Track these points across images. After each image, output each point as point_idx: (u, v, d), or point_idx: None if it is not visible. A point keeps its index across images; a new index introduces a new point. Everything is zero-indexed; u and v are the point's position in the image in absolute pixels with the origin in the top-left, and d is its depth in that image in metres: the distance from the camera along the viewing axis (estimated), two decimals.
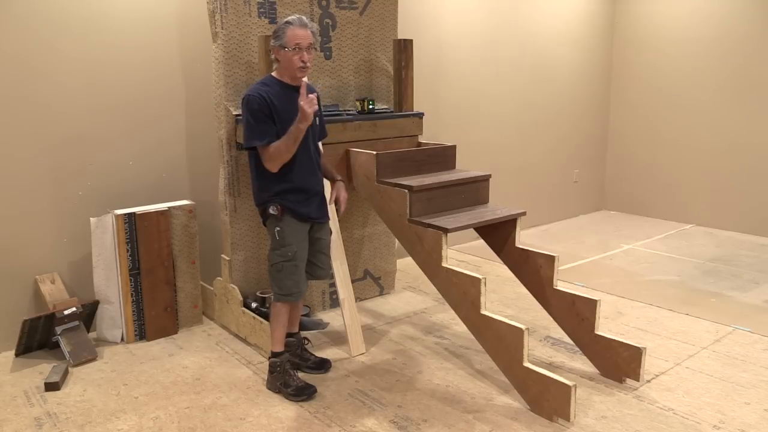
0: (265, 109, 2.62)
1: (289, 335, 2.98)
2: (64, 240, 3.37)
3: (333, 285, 3.68)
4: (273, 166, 2.63)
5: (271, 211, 2.70)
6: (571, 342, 3.08)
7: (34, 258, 3.29)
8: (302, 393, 2.74)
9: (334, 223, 3.19)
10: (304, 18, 2.69)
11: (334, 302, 3.78)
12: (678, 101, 5.82)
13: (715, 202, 5.69)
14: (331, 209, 3.15)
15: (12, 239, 3.22)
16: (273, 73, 2.76)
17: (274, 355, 2.80)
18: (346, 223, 3.78)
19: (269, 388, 2.81)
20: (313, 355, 3.03)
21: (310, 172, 2.77)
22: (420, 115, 3.74)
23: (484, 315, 2.71)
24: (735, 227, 5.58)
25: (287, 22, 2.66)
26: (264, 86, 2.68)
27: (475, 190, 3.21)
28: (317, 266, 2.93)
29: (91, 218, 3.27)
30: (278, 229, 2.71)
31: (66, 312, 3.16)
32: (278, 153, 2.60)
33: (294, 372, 2.81)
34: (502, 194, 4.97)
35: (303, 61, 2.66)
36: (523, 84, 5.49)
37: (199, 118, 3.74)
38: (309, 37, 2.66)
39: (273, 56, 2.72)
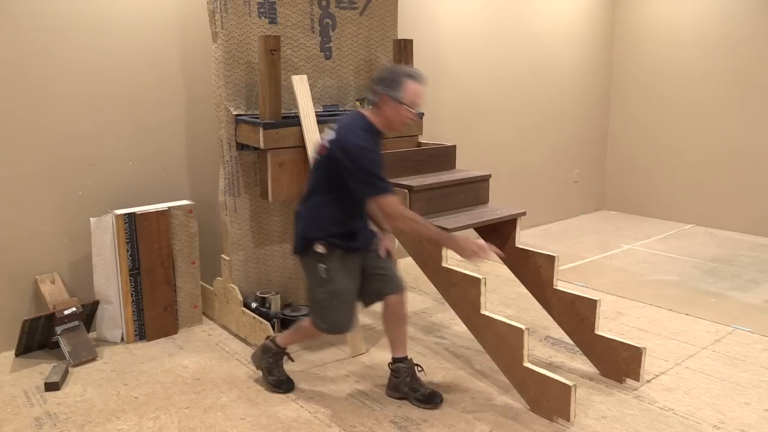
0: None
1: (398, 360, 2.73)
2: (64, 240, 3.37)
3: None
4: (394, 219, 2.44)
5: (317, 249, 2.50)
6: (571, 342, 3.08)
7: (34, 258, 3.29)
8: (281, 386, 2.79)
9: None
10: (422, 72, 2.49)
11: None
12: (678, 101, 5.82)
13: (715, 202, 5.69)
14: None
15: (12, 239, 3.21)
16: (367, 114, 2.50)
17: (275, 345, 2.80)
18: None
19: (252, 358, 2.87)
20: (424, 386, 2.72)
21: (364, 214, 2.67)
22: (420, 115, 3.74)
23: (484, 315, 2.71)
24: (735, 227, 5.58)
25: (408, 75, 2.43)
26: (369, 136, 2.44)
27: (475, 190, 3.21)
28: (387, 276, 2.67)
29: (91, 218, 3.27)
30: (324, 266, 2.52)
31: (66, 312, 3.16)
32: (413, 227, 2.44)
33: (282, 365, 2.82)
34: (502, 194, 4.97)
35: (412, 120, 2.49)
36: (524, 84, 5.49)
37: (199, 118, 3.74)
38: (424, 94, 2.50)
39: (374, 99, 2.47)
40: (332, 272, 2.54)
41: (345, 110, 3.62)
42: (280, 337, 2.84)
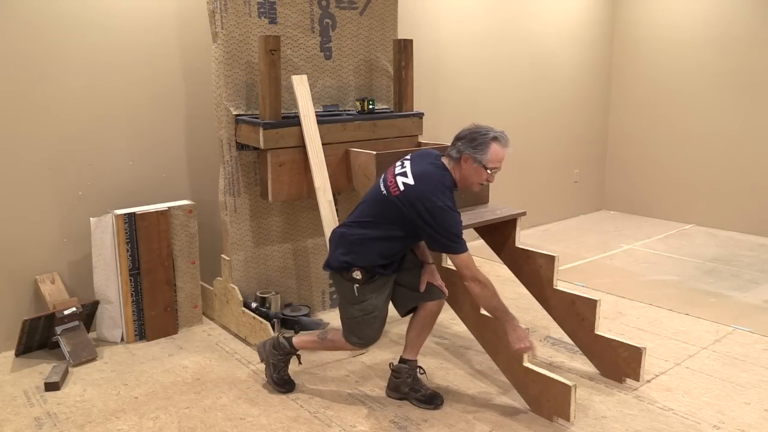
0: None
1: (404, 361, 2.74)
2: (64, 240, 3.37)
3: (333, 285, 3.68)
4: (467, 280, 2.45)
5: (355, 275, 2.52)
6: (571, 342, 3.08)
7: (34, 258, 3.29)
8: (284, 385, 2.78)
9: (334, 220, 3.18)
10: (506, 135, 2.47)
11: (334, 302, 3.77)
12: (678, 101, 5.82)
13: (715, 202, 5.69)
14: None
15: (12, 239, 3.21)
16: (446, 163, 2.50)
17: (290, 345, 2.77)
18: None
19: (258, 349, 2.85)
20: (424, 386, 2.74)
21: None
22: (420, 115, 3.75)
23: (484, 315, 2.71)
24: (735, 227, 5.58)
25: (494, 139, 2.42)
26: (450, 194, 2.44)
27: None
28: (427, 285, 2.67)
29: (91, 218, 3.27)
30: (358, 286, 2.55)
31: (66, 312, 3.16)
32: (483, 292, 2.47)
33: (288, 364, 2.81)
34: (502, 194, 4.96)
35: (489, 182, 2.51)
36: (524, 84, 5.49)
37: (199, 118, 3.74)
38: (505, 158, 2.47)
39: (455, 155, 2.47)
40: (365, 291, 2.56)
41: (345, 110, 3.62)
42: (298, 339, 2.79)
